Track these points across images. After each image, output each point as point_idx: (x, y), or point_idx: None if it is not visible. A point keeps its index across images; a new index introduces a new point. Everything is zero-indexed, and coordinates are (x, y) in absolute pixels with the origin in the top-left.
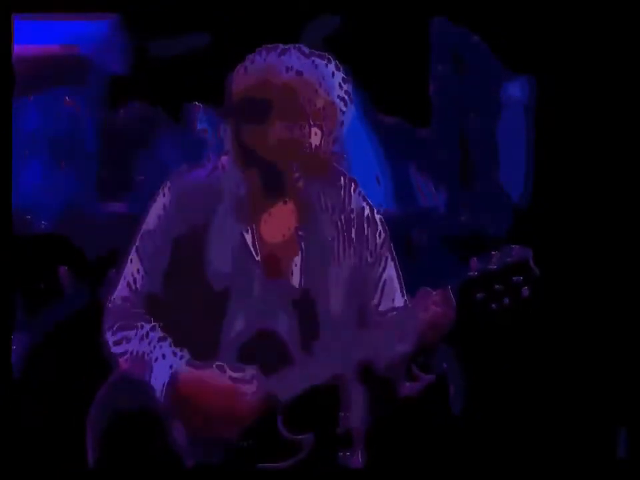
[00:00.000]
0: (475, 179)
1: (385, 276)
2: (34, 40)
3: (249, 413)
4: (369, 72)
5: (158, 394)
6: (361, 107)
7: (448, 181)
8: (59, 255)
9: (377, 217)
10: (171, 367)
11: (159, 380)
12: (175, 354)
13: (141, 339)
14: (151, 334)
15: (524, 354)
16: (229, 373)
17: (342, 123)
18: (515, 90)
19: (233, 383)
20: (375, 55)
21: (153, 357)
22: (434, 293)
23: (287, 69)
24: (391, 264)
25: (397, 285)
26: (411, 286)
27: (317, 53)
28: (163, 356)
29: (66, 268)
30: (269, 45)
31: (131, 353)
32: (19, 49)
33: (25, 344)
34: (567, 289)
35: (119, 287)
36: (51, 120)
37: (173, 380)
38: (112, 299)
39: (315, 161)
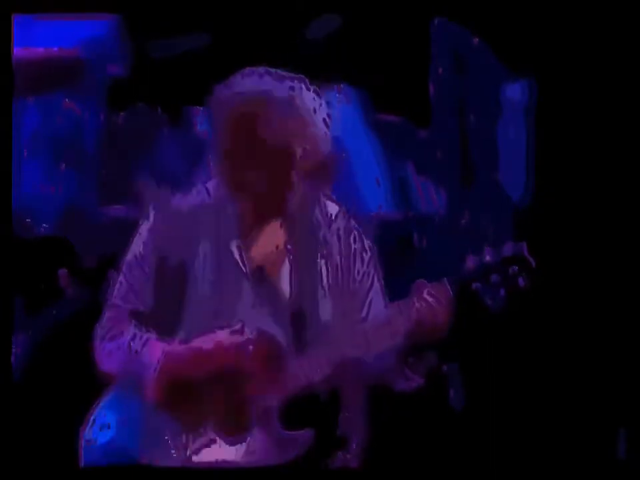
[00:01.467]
0: (475, 181)
1: (372, 294)
2: (34, 41)
3: (259, 362)
4: (370, 72)
5: (150, 378)
6: (361, 108)
7: (448, 182)
8: (59, 258)
9: (363, 236)
10: (163, 348)
11: (152, 362)
12: (164, 341)
13: (131, 340)
14: (140, 334)
15: (524, 354)
16: (218, 332)
17: (326, 141)
18: (516, 91)
19: (227, 338)
20: (375, 55)
21: (144, 349)
22: (430, 284)
23: (267, 100)
24: (377, 283)
25: (382, 303)
26: (411, 288)
27: (294, 77)
28: (152, 345)
29: (66, 270)
30: (249, 69)
31: (120, 347)
32: (19, 51)
33: (25, 346)
34: (568, 290)
35: (108, 309)
36: (51, 122)
37: (168, 357)
38: (102, 320)
39: (301, 181)
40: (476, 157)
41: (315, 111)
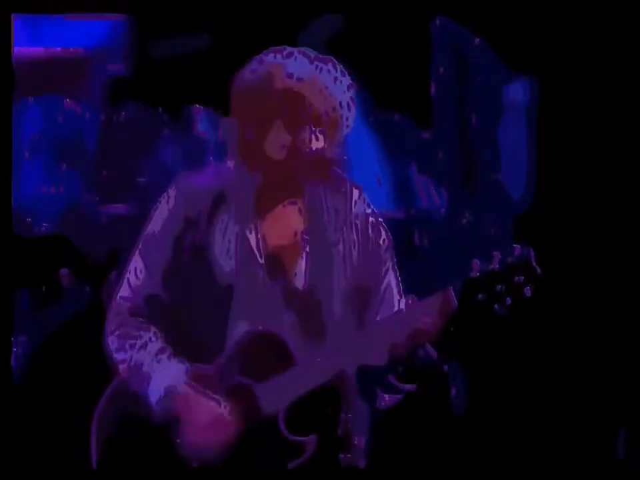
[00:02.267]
0: (476, 180)
1: (385, 283)
2: (34, 41)
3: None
4: (371, 72)
5: (153, 406)
6: (362, 107)
7: (449, 182)
8: (60, 257)
9: (381, 223)
10: (166, 382)
11: (154, 393)
12: (172, 367)
13: (140, 348)
14: (150, 344)
15: (524, 355)
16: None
17: (346, 127)
18: (517, 91)
19: (217, 415)
20: (376, 55)
21: (150, 369)
22: (430, 298)
23: (290, 75)
24: (392, 272)
25: (396, 293)
26: (413, 288)
27: (321, 57)
28: (161, 369)
29: (67, 270)
30: (274, 47)
31: (130, 362)
32: (19, 51)
33: (26, 345)
34: (569, 290)
35: (122, 289)
36: (51, 121)
37: (168, 397)
38: (114, 301)
39: (316, 166)
40: (477, 156)
41: (336, 87)
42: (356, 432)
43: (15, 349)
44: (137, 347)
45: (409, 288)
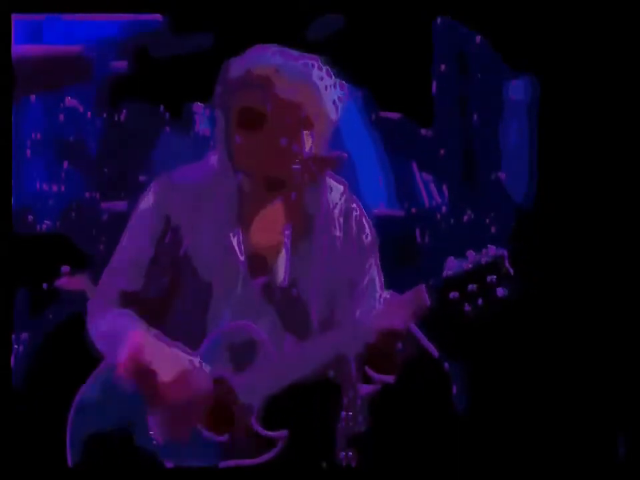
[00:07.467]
0: (477, 178)
1: (367, 278)
2: (35, 40)
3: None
4: (372, 71)
5: (123, 361)
6: (363, 106)
7: (450, 180)
8: (61, 255)
9: (366, 218)
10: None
11: (124, 346)
12: (143, 326)
13: (114, 319)
14: (126, 318)
15: (523, 357)
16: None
17: (333, 123)
18: (518, 89)
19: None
20: (378, 54)
21: (123, 331)
22: (404, 295)
23: (282, 77)
24: (374, 267)
25: (378, 289)
26: (413, 286)
27: (307, 55)
28: (132, 329)
29: (68, 267)
30: (258, 45)
31: (105, 333)
32: (20, 49)
33: (26, 343)
34: (570, 290)
35: (103, 283)
36: (52, 120)
37: (132, 340)
38: (95, 295)
39: (307, 165)
40: (478, 154)
41: (325, 89)
42: (356, 428)
43: (16, 347)
44: (113, 322)
45: (409, 287)
